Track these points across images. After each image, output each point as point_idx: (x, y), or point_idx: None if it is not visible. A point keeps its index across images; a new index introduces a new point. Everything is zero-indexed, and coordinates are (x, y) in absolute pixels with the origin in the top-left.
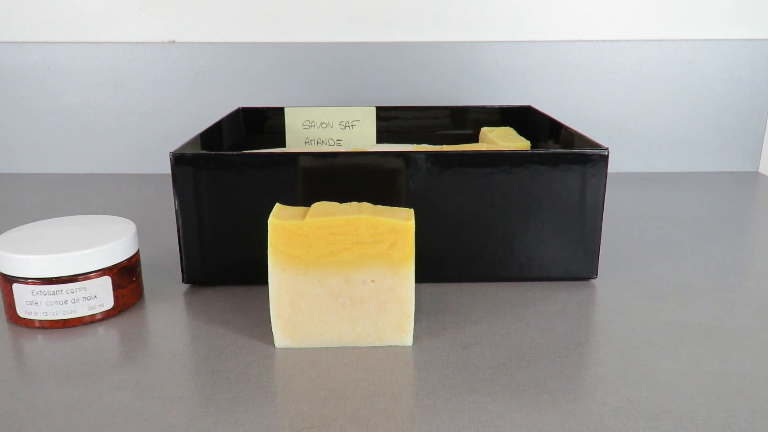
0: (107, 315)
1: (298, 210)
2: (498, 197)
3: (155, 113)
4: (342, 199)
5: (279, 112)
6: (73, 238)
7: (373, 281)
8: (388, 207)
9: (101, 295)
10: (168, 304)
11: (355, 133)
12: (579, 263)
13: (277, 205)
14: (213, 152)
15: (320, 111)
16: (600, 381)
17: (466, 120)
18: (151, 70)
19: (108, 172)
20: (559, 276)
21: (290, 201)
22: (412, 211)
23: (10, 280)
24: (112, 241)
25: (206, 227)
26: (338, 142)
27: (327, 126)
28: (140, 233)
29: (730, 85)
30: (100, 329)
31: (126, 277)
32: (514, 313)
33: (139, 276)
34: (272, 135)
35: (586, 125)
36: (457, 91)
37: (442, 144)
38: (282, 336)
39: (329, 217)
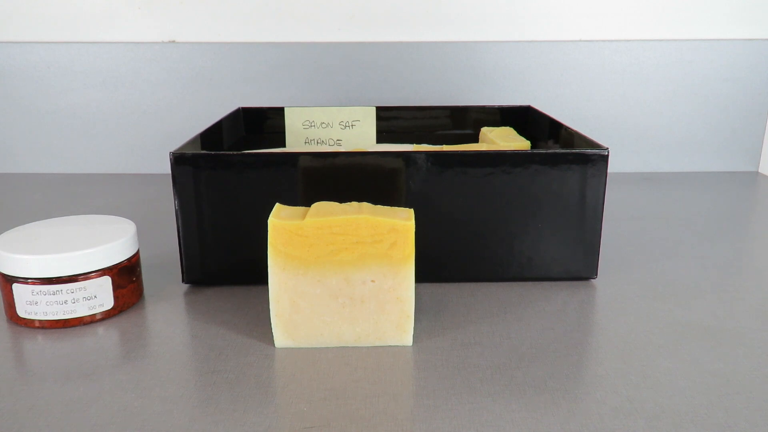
0: (107, 315)
1: (298, 210)
2: (498, 197)
3: (155, 113)
4: (342, 199)
5: (279, 112)
6: (73, 238)
7: (373, 281)
8: (388, 207)
9: (101, 295)
10: (168, 304)
11: (355, 133)
12: (579, 263)
13: (277, 205)
14: (213, 152)
15: (320, 111)
16: (600, 381)
17: (466, 120)
18: (151, 70)
19: (108, 172)
20: (559, 276)
21: (290, 201)
22: (412, 211)
23: (10, 280)
24: (112, 241)
25: (206, 227)
26: (338, 142)
27: (327, 126)
28: (140, 233)
29: (730, 85)
30: (100, 329)
31: (126, 277)
32: (514, 313)
33: (139, 276)
34: (272, 135)
35: (586, 125)
36: (457, 91)
37: (442, 144)
38: (282, 336)
39: (329, 217)
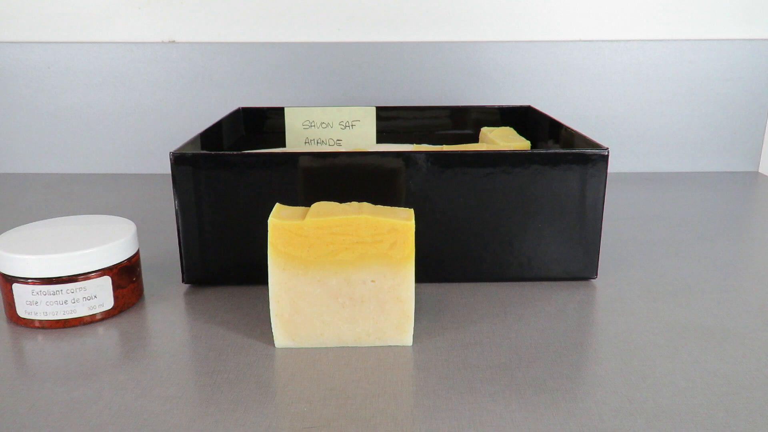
0: (107, 315)
1: (298, 210)
2: (498, 197)
3: (155, 113)
4: (342, 199)
5: (279, 112)
6: (73, 238)
7: (373, 281)
8: (388, 207)
9: (101, 295)
10: (168, 304)
11: (355, 133)
12: (579, 263)
13: (277, 205)
14: (213, 152)
15: (320, 111)
16: (600, 381)
17: (466, 120)
18: (151, 70)
19: (108, 172)
20: (559, 276)
21: (290, 201)
22: (412, 211)
23: (10, 280)
24: (112, 241)
25: (206, 227)
26: (338, 142)
27: (327, 126)
28: (140, 233)
29: (730, 85)
30: (100, 329)
31: (126, 277)
32: (514, 313)
33: (139, 276)
34: (272, 135)
35: (586, 125)
36: (457, 91)
37: (442, 144)
38: (282, 336)
39: (329, 217)
